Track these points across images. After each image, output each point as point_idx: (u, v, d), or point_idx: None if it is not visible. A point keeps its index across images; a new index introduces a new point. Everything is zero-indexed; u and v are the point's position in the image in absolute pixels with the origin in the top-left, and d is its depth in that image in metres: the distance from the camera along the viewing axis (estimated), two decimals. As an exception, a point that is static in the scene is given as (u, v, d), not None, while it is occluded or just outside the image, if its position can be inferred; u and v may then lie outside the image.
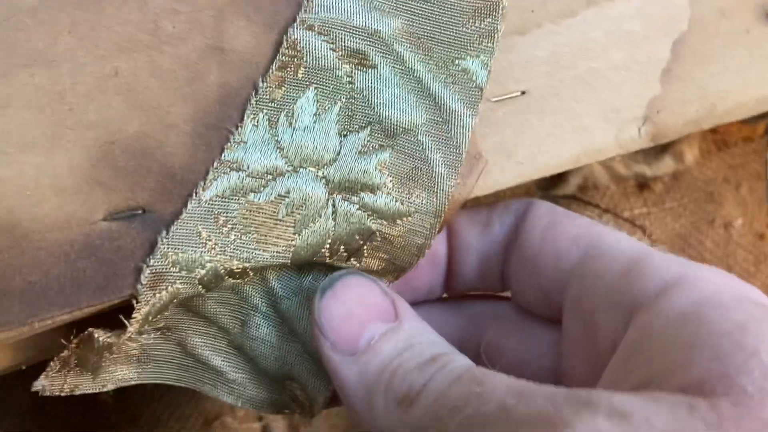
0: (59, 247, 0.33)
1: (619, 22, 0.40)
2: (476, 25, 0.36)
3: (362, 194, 0.35)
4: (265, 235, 0.34)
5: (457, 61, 0.36)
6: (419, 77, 0.36)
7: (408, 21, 0.35)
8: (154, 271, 0.33)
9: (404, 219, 0.36)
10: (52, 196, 0.33)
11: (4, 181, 0.32)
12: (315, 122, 0.35)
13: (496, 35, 0.36)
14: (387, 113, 0.35)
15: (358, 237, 0.36)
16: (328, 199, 0.35)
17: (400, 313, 0.32)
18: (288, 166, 0.35)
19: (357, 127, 0.35)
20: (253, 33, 0.35)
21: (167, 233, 0.33)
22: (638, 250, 0.32)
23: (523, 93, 0.38)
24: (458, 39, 0.36)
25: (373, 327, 0.31)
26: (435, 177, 0.36)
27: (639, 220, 0.69)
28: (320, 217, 0.35)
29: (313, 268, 0.37)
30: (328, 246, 0.35)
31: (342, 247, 0.36)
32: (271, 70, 0.35)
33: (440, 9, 0.36)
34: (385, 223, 0.36)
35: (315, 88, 0.35)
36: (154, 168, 0.34)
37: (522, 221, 0.38)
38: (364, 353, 0.30)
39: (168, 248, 0.33)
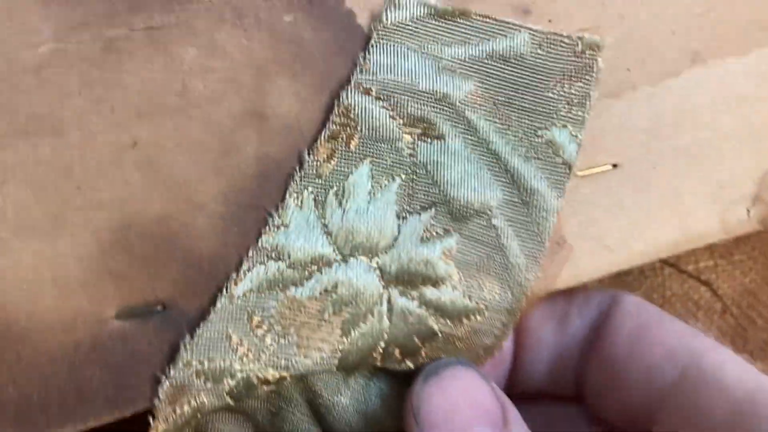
0: (62, 351, 0.26)
1: (730, 83, 0.32)
2: (564, 89, 0.28)
3: (423, 288, 0.28)
4: (308, 338, 0.27)
5: (540, 132, 0.28)
6: (495, 150, 0.28)
7: (483, 84, 0.28)
8: (174, 383, 0.26)
9: (472, 317, 0.28)
10: (54, 290, 0.26)
11: (-2, 272, 0.25)
12: (369, 202, 0.27)
13: (588, 102, 0.28)
14: (455, 192, 0.27)
15: (416, 338, 0.28)
16: (382, 294, 0.27)
17: (509, 419, 0.26)
18: (337, 254, 0.27)
19: (418, 208, 0.27)
20: (299, 95, 0.28)
21: (191, 337, 0.26)
22: (749, 379, 0.26)
23: (614, 166, 0.30)
24: (542, 106, 0.28)
25: (479, 430, 0.26)
26: (511, 268, 0.28)
27: (704, 275, 0.61)
28: (373, 315, 0.28)
29: (360, 369, 0.30)
30: (381, 349, 0.28)
31: (397, 349, 0.28)
32: (318, 141, 0.27)
33: (521, 70, 0.28)
34: (449, 323, 0.28)
35: (370, 161, 0.27)
36: (177, 256, 0.27)
37: (606, 319, 0.31)
38: None
39: (192, 355, 0.26)
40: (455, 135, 0.27)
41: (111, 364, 0.25)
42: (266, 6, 0.27)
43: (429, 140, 0.27)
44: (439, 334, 0.28)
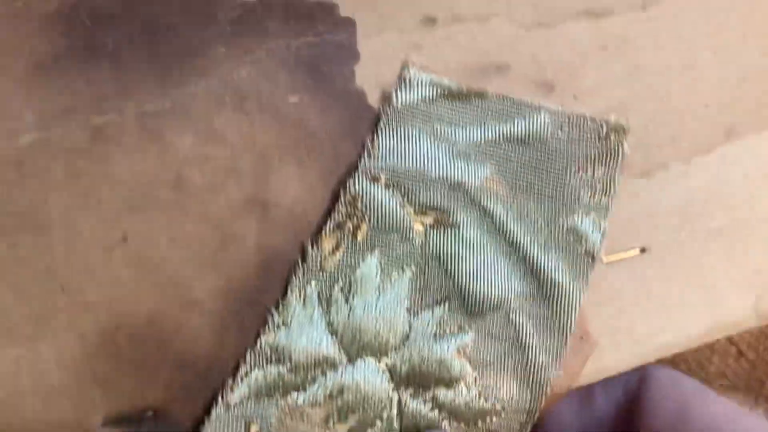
0: (43, 464, 0.23)
1: (767, 159, 0.29)
2: (587, 175, 0.25)
3: (436, 390, 0.25)
4: None
5: (562, 220, 0.25)
6: (513, 239, 0.25)
7: (500, 169, 0.25)
8: (163, 499, 0.23)
9: (488, 419, 0.26)
10: (35, 399, 0.23)
11: (-26, 381, 0.23)
12: (378, 297, 0.24)
13: (613, 189, 0.25)
14: (470, 285, 0.24)
15: None
16: (392, 397, 0.24)
17: None
18: (343, 355, 0.24)
19: (431, 302, 0.25)
20: (304, 182, 0.25)
21: None
22: None
23: (643, 251, 0.27)
24: (564, 192, 0.25)
25: None
26: (530, 367, 0.25)
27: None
28: (382, 421, 0.25)
29: None
30: None
31: None
32: (323, 231, 0.24)
33: (541, 154, 0.25)
34: (463, 426, 0.26)
35: (379, 253, 0.24)
36: (169, 358, 0.24)
37: (638, 398, 0.28)
38: None
39: None
40: (470, 223, 0.24)
41: (97, 479, 0.23)
42: (269, 87, 0.24)
43: (442, 229, 0.24)
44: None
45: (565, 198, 0.25)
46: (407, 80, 0.24)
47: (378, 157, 0.24)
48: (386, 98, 0.24)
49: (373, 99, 0.24)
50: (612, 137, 0.25)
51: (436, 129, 0.24)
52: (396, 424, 0.24)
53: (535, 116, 0.25)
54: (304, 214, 0.24)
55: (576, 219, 0.25)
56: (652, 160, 0.27)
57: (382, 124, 0.24)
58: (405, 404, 0.24)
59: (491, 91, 0.25)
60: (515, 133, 0.25)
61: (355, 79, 0.24)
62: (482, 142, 0.25)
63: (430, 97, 0.24)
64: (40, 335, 0.22)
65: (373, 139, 0.24)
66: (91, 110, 0.22)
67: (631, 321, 0.27)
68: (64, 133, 0.22)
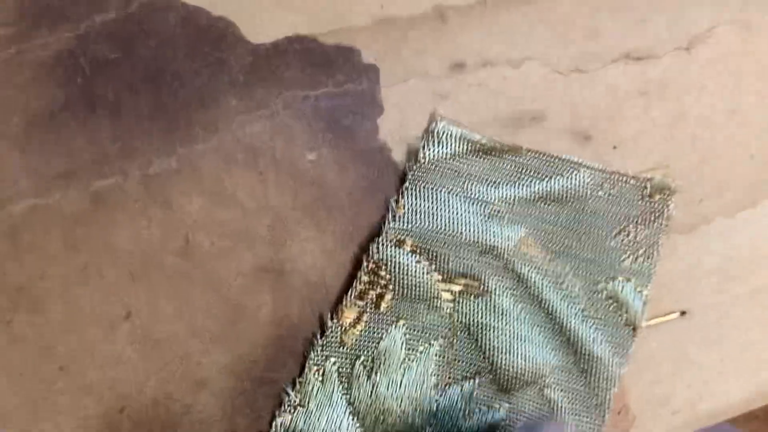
0: None
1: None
2: (629, 237, 0.24)
3: None
4: None
5: (601, 286, 0.23)
6: (549, 308, 0.23)
7: (535, 231, 0.23)
8: None
9: None
10: (32, 489, 0.21)
11: (-35, 471, 0.21)
12: (404, 374, 0.22)
13: (655, 253, 0.24)
14: (502, 359, 0.23)
15: None
16: None
17: None
18: None
19: (459, 378, 0.23)
20: (324, 246, 0.23)
21: None
22: None
23: (683, 314, 0.26)
24: (604, 256, 0.24)
25: None
26: None
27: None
28: None
29: None
30: None
31: None
32: (343, 302, 0.22)
33: (580, 215, 0.23)
34: None
35: (404, 324, 0.23)
36: (177, 441, 0.22)
37: None
38: None
39: None
40: (503, 291, 0.23)
41: None
42: (285, 143, 0.22)
43: (472, 298, 0.23)
44: None
45: (604, 262, 0.23)
46: (435, 134, 0.23)
47: (403, 220, 0.22)
48: (412, 154, 0.22)
49: (398, 154, 0.22)
50: (656, 197, 0.24)
51: (467, 187, 0.23)
52: None
53: (574, 174, 0.23)
54: (322, 282, 0.22)
55: (616, 285, 0.24)
56: (694, 215, 0.25)
57: (407, 183, 0.22)
58: None
59: (526, 147, 0.23)
60: (552, 192, 0.23)
61: (378, 132, 0.22)
62: (516, 201, 0.23)
63: (460, 153, 0.23)
64: (38, 422, 0.20)
65: (398, 200, 0.22)
66: (91, 173, 0.20)
67: (670, 391, 0.25)
68: (63, 198, 0.20)
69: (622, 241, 0.23)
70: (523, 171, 0.23)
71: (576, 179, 0.23)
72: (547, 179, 0.23)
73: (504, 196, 0.23)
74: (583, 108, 0.24)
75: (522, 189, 0.23)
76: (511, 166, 0.23)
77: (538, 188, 0.23)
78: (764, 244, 0.26)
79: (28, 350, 0.20)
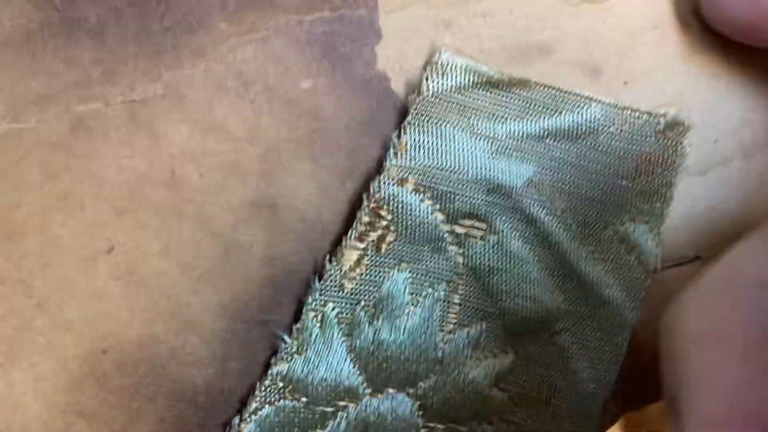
0: None
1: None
2: (642, 177, 0.22)
3: (473, 423, 0.22)
4: None
5: (612, 227, 0.22)
6: (559, 250, 0.22)
7: (544, 169, 0.22)
8: None
9: None
10: (8, 435, 0.20)
11: (-64, 415, 0.20)
12: (407, 319, 0.21)
13: (669, 193, 0.23)
14: (510, 303, 0.22)
15: None
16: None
17: None
18: (367, 386, 0.21)
19: (466, 322, 0.22)
20: (320, 182, 0.22)
21: None
22: None
23: (698, 258, 0.25)
24: (615, 196, 0.22)
25: None
26: (579, 397, 0.22)
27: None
28: None
29: None
30: None
31: None
32: (343, 243, 0.21)
33: (590, 152, 0.22)
34: None
35: (408, 267, 0.21)
36: (164, 388, 0.21)
37: None
38: None
39: None
40: (510, 232, 0.22)
41: None
42: (279, 71, 0.21)
43: (479, 240, 0.21)
44: None
45: (616, 202, 0.22)
46: (439, 66, 0.21)
47: (406, 156, 0.21)
48: (414, 87, 0.21)
49: (397, 84, 0.21)
50: (670, 134, 0.22)
51: (472, 122, 0.21)
52: None
53: (585, 109, 0.22)
54: (319, 219, 0.21)
55: (629, 227, 0.22)
56: (710, 156, 0.24)
57: (410, 117, 0.21)
58: None
59: (535, 80, 0.22)
60: (561, 128, 0.22)
61: (376, 61, 0.21)
62: (524, 137, 0.22)
63: (466, 86, 0.22)
64: (14, 362, 0.19)
65: (399, 135, 0.21)
66: (71, 97, 0.19)
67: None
68: (40, 123, 0.19)
69: (635, 180, 0.22)
70: (532, 106, 0.22)
71: (587, 114, 0.22)
72: (556, 114, 0.22)
73: (512, 132, 0.22)
74: (594, 41, 0.23)
75: (530, 124, 0.22)
76: (519, 100, 0.22)
77: (548, 124, 0.22)
78: (782, 188, 0.25)
79: (3, 285, 0.19)
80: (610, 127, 0.22)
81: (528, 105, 0.22)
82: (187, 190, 0.20)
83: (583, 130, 0.22)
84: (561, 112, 0.22)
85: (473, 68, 0.22)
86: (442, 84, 0.21)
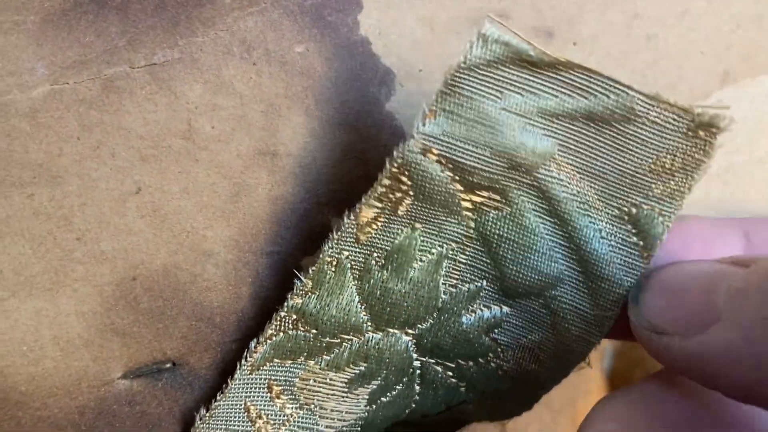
0: (65, 416, 0.25)
1: (762, 103, 0.31)
2: (664, 167, 0.23)
3: (460, 361, 0.25)
4: (332, 410, 0.26)
5: (625, 209, 0.23)
6: (570, 227, 0.23)
7: (569, 149, 0.23)
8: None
9: (507, 395, 0.27)
10: (55, 351, 0.25)
11: (-6, 333, 0.24)
12: (413, 272, 0.24)
13: (686, 188, 0.23)
14: (512, 269, 0.24)
15: (444, 404, 0.27)
16: (414, 365, 0.25)
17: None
18: (370, 324, 0.24)
19: (468, 279, 0.24)
20: (313, 132, 0.26)
21: (207, 411, 0.25)
22: None
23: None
24: (634, 180, 0.23)
25: (724, 284, 0.20)
26: (560, 352, 0.24)
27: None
28: (401, 384, 0.26)
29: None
30: (405, 415, 0.27)
31: (421, 414, 0.27)
32: (363, 201, 0.23)
33: (617, 138, 0.22)
34: (481, 396, 0.27)
35: (421, 227, 0.23)
36: (186, 309, 0.25)
37: None
38: (731, 302, 0.20)
39: (207, 429, 0.25)
40: (525, 206, 0.23)
41: (119, 430, 0.24)
42: (276, 37, 0.25)
43: (493, 211, 0.23)
44: (471, 403, 0.26)
45: (633, 187, 0.23)
46: (483, 39, 0.21)
47: (434, 124, 0.22)
48: (392, 51, 0.25)
49: (377, 47, 0.26)
50: (701, 133, 0.22)
51: (505, 97, 0.22)
52: (416, 386, 0.25)
53: (622, 96, 0.22)
54: (314, 164, 0.25)
55: (641, 211, 0.23)
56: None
57: (443, 86, 0.21)
58: (427, 372, 0.25)
59: (577, 62, 0.22)
60: (595, 111, 0.22)
61: (359, 28, 0.26)
62: (556, 116, 0.22)
63: (505, 61, 0.22)
64: (59, 287, 0.23)
65: (435, 102, 0.22)
66: (101, 63, 0.23)
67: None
68: (76, 84, 0.23)
69: (657, 173, 0.23)
70: (569, 87, 0.22)
71: (622, 101, 0.22)
72: (592, 97, 0.22)
73: (543, 110, 0.22)
74: (545, 8, 0.28)
75: (564, 104, 0.22)
76: (556, 80, 0.22)
77: (581, 105, 0.22)
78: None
79: (48, 221, 0.23)
80: (642, 117, 0.22)
81: (565, 85, 0.22)
82: (201, 140, 0.25)
83: (616, 116, 0.22)
84: (596, 95, 0.22)
85: (516, 45, 0.21)
86: (482, 56, 0.21)
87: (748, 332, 0.18)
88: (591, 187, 0.23)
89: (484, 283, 0.24)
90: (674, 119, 0.22)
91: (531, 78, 0.21)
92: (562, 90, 0.21)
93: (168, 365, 0.24)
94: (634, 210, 0.23)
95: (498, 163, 0.22)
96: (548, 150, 0.22)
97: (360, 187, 0.26)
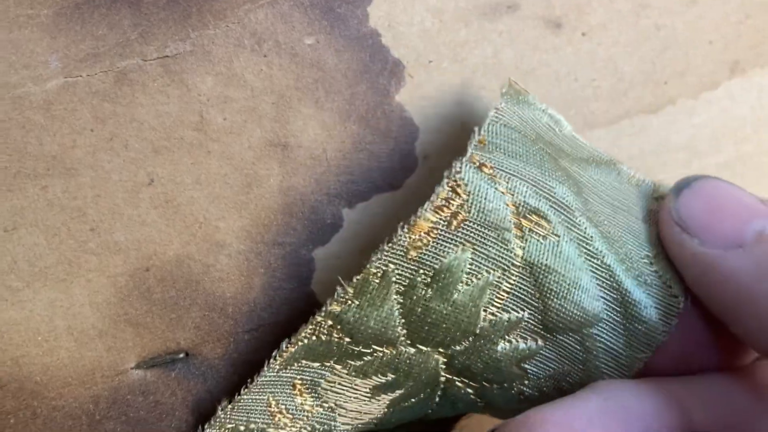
0: (80, 406, 0.25)
1: (771, 93, 0.32)
2: (651, 228, 0.25)
3: (485, 384, 0.25)
4: (354, 411, 0.26)
5: (646, 260, 0.25)
6: (609, 265, 0.24)
7: (588, 196, 0.25)
8: (207, 447, 0.25)
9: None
10: (69, 341, 0.25)
11: (10, 324, 0.25)
12: (459, 294, 0.24)
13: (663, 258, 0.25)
14: (556, 302, 0.23)
15: (457, 412, 0.28)
16: (440, 380, 0.25)
17: None
18: (406, 340, 0.24)
19: (510, 308, 0.24)
20: (324, 123, 0.27)
21: (229, 403, 0.25)
22: None
23: (653, 186, 0.29)
24: (643, 233, 0.25)
25: (757, 222, 0.24)
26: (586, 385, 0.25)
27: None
28: (423, 394, 0.26)
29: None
30: (419, 418, 0.28)
31: (434, 416, 0.28)
32: (418, 214, 0.23)
33: (620, 191, 0.25)
34: (496, 411, 0.28)
35: (471, 249, 0.23)
36: (199, 299, 0.26)
37: None
38: (758, 243, 0.23)
39: (228, 419, 0.25)
40: (571, 239, 0.24)
41: (133, 419, 0.24)
42: (286, 29, 0.26)
43: (541, 238, 0.24)
44: (481, 412, 0.27)
45: (646, 237, 0.25)
46: (513, 93, 0.25)
47: (484, 150, 0.23)
48: (400, 41, 0.26)
49: (387, 39, 0.26)
50: (657, 199, 0.26)
51: (544, 138, 0.25)
52: (437, 399, 0.26)
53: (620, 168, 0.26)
54: (324, 155, 0.26)
55: (659, 263, 0.25)
56: (659, 97, 0.29)
57: (490, 120, 0.24)
58: (450, 388, 0.25)
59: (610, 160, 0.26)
60: (603, 168, 0.26)
61: (368, 20, 0.26)
62: (576, 162, 0.25)
63: (539, 117, 0.25)
64: (73, 277, 0.24)
65: (484, 131, 0.24)
66: (114, 56, 0.24)
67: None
68: (90, 77, 0.24)
69: (648, 229, 0.25)
70: (589, 153, 0.26)
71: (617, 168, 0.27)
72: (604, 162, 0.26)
73: (570, 152, 0.25)
74: None
75: (579, 158, 0.26)
76: (574, 145, 0.26)
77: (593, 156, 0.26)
78: (725, 123, 0.30)
79: (62, 212, 0.24)
80: (629, 179, 0.27)
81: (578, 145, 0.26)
82: (213, 132, 0.25)
83: (619, 177, 0.27)
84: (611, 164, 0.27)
85: (553, 116, 0.26)
86: (522, 111, 0.25)
87: (761, 273, 0.22)
88: (616, 234, 0.25)
89: (525, 314, 0.24)
90: (647, 188, 0.27)
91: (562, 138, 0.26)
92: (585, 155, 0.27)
93: (181, 355, 0.25)
94: (654, 259, 0.24)
95: (546, 190, 0.23)
96: (575, 198, 0.25)
97: (370, 178, 0.26)
